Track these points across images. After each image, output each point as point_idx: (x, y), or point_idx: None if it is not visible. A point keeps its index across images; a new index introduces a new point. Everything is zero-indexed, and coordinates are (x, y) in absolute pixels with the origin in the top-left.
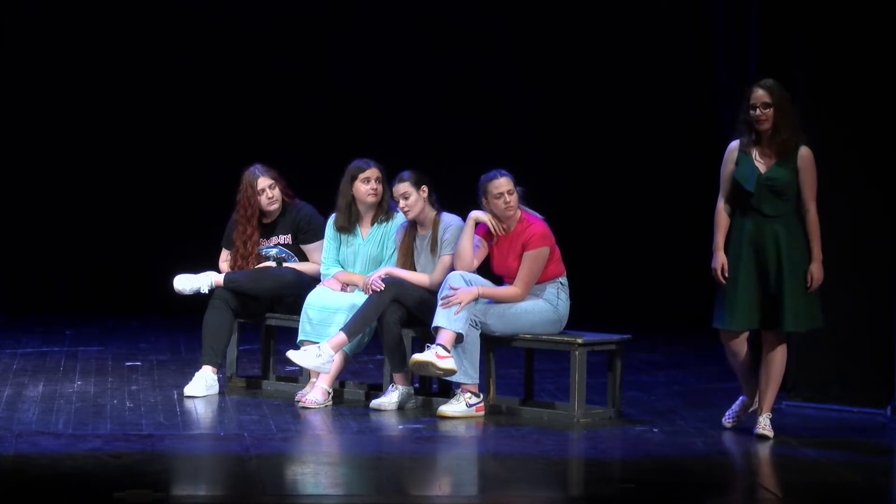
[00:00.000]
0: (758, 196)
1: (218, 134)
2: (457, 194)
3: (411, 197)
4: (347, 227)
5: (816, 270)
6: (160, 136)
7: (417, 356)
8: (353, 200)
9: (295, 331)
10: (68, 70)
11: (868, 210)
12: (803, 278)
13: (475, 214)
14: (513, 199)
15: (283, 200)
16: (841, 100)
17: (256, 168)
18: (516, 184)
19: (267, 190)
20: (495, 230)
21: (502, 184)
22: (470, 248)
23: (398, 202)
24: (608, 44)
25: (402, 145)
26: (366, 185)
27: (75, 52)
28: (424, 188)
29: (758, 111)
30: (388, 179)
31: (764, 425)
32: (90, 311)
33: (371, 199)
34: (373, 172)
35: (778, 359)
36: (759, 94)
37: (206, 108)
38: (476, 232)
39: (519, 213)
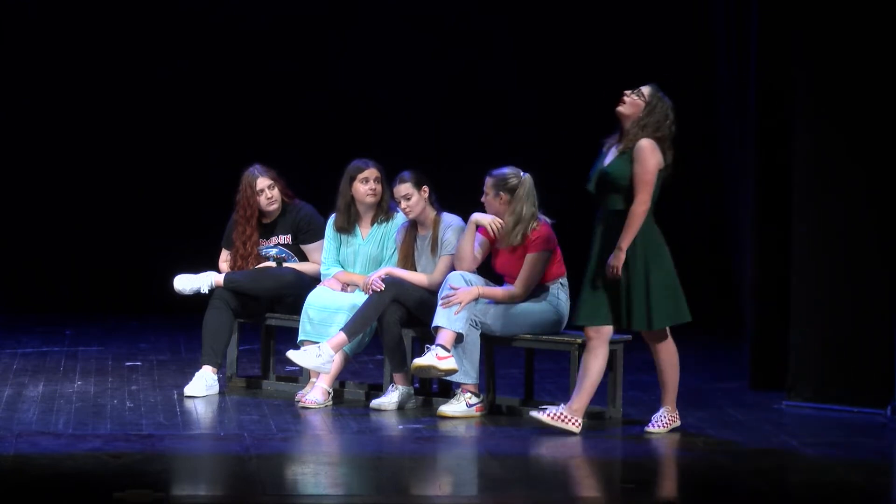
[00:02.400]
0: (598, 191)
1: (218, 134)
2: (457, 194)
3: (413, 198)
4: (346, 227)
5: (611, 258)
6: (160, 136)
7: (418, 361)
8: (352, 201)
9: (295, 331)
10: (68, 70)
11: (867, 210)
12: (653, 276)
13: (476, 217)
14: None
15: (282, 200)
16: (841, 100)
17: (256, 168)
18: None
19: (266, 190)
20: (494, 233)
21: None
22: (471, 249)
23: (399, 203)
24: (608, 43)
25: (402, 145)
26: (364, 186)
27: (75, 52)
28: (425, 188)
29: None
30: (389, 180)
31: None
32: (90, 311)
33: (370, 199)
34: (371, 173)
35: (665, 359)
36: (642, 87)
37: (206, 108)
38: (478, 232)
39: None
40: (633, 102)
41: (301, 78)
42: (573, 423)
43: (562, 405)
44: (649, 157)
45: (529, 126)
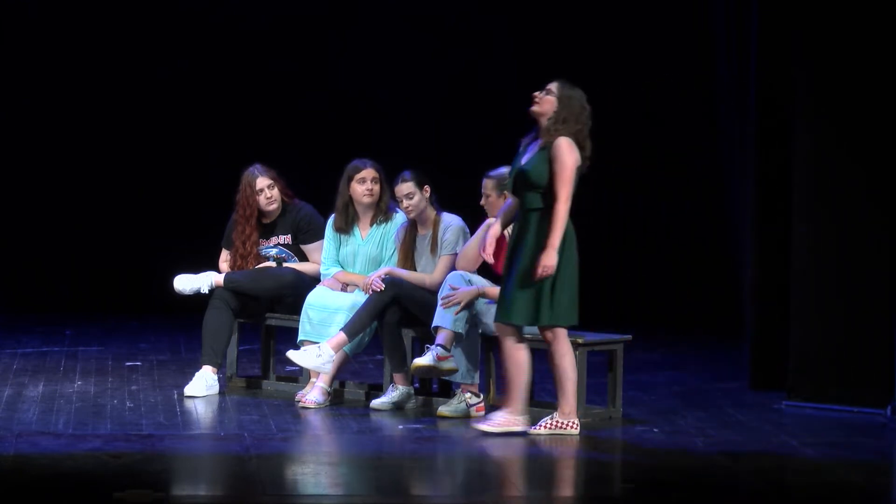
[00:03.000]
0: (515, 190)
1: (218, 134)
2: (457, 194)
3: (415, 197)
4: (345, 227)
5: (543, 258)
6: (160, 136)
7: (418, 361)
8: (350, 201)
9: (295, 331)
10: (68, 70)
11: (867, 210)
12: (561, 273)
13: (491, 222)
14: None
15: (282, 200)
16: (841, 100)
17: (255, 168)
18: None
19: (266, 190)
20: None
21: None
22: (477, 251)
23: (401, 202)
24: (608, 43)
25: (401, 145)
26: (361, 186)
27: (75, 52)
28: (427, 188)
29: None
30: (389, 180)
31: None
32: (90, 311)
33: (367, 199)
34: (369, 173)
35: (513, 357)
36: (549, 85)
37: (206, 108)
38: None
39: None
40: (544, 100)
41: (301, 78)
42: (572, 427)
43: (554, 414)
44: (567, 155)
45: (529, 126)
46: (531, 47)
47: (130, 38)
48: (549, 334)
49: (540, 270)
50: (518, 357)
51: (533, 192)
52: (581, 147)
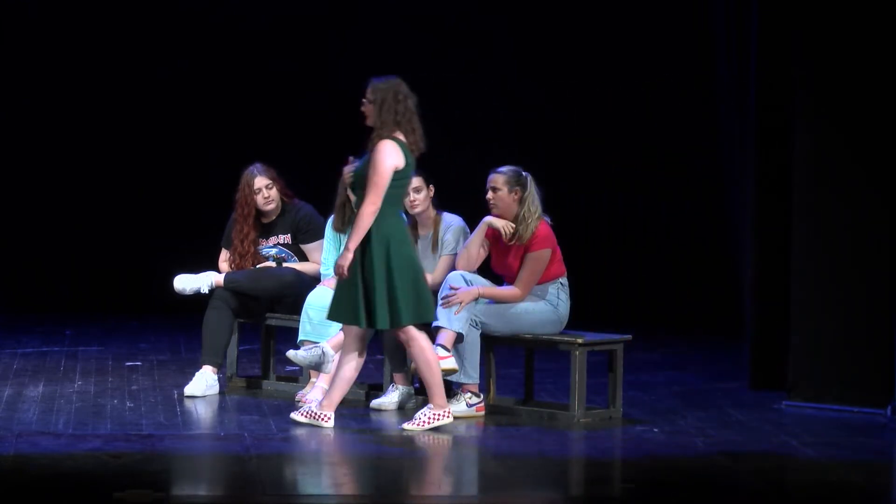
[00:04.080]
0: (354, 190)
1: (218, 134)
2: (457, 194)
3: (422, 192)
4: (342, 227)
5: (339, 258)
6: (160, 135)
7: None
8: (347, 200)
9: (295, 331)
10: (68, 70)
11: (867, 210)
12: (395, 275)
13: (490, 220)
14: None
15: (282, 200)
16: (841, 100)
17: (255, 167)
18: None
19: (263, 189)
20: (508, 238)
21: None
22: (477, 251)
23: (408, 194)
24: (608, 43)
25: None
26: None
27: (75, 52)
28: (432, 187)
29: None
30: None
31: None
32: (90, 311)
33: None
34: None
35: (417, 357)
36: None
37: (206, 108)
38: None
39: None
40: (366, 109)
41: (301, 78)
42: (445, 416)
43: (426, 409)
44: (382, 158)
45: (530, 126)
46: (531, 47)
47: (130, 38)
48: (401, 335)
49: (336, 270)
50: (422, 352)
51: (363, 194)
52: (413, 138)
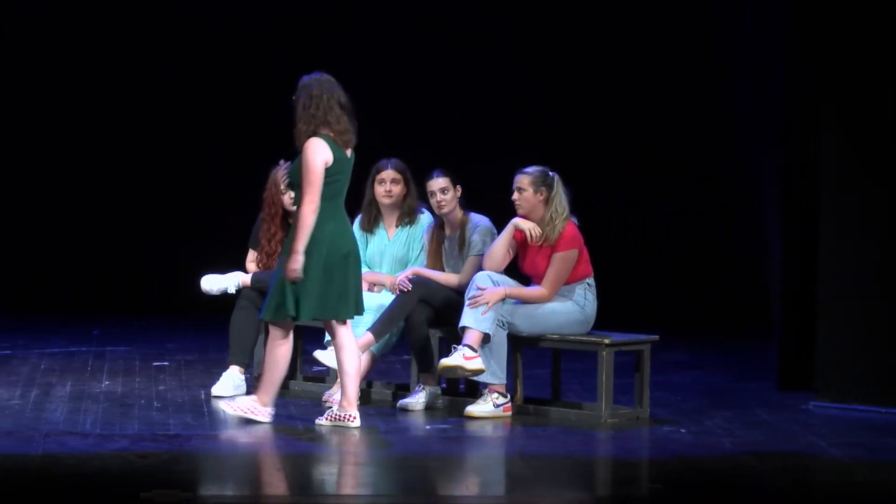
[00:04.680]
0: (292, 188)
1: (220, 134)
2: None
3: (449, 192)
4: (368, 226)
5: (289, 261)
6: (165, 135)
7: (445, 361)
8: (373, 200)
9: (322, 331)
10: (68, 70)
11: (894, 211)
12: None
13: (517, 221)
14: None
15: None
16: (868, 100)
17: (281, 167)
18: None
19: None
20: (533, 239)
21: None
22: (504, 251)
23: (434, 195)
24: (613, 41)
25: (403, 145)
26: (381, 187)
27: (75, 52)
28: (459, 188)
29: None
30: (419, 181)
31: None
32: (118, 312)
33: (385, 200)
34: (388, 174)
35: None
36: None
37: (206, 107)
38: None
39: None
40: (296, 107)
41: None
42: (350, 420)
43: (334, 407)
44: (311, 156)
45: (531, 126)
46: (531, 47)
47: (130, 38)
48: (330, 328)
49: (287, 273)
50: (277, 352)
51: (298, 191)
52: (339, 133)
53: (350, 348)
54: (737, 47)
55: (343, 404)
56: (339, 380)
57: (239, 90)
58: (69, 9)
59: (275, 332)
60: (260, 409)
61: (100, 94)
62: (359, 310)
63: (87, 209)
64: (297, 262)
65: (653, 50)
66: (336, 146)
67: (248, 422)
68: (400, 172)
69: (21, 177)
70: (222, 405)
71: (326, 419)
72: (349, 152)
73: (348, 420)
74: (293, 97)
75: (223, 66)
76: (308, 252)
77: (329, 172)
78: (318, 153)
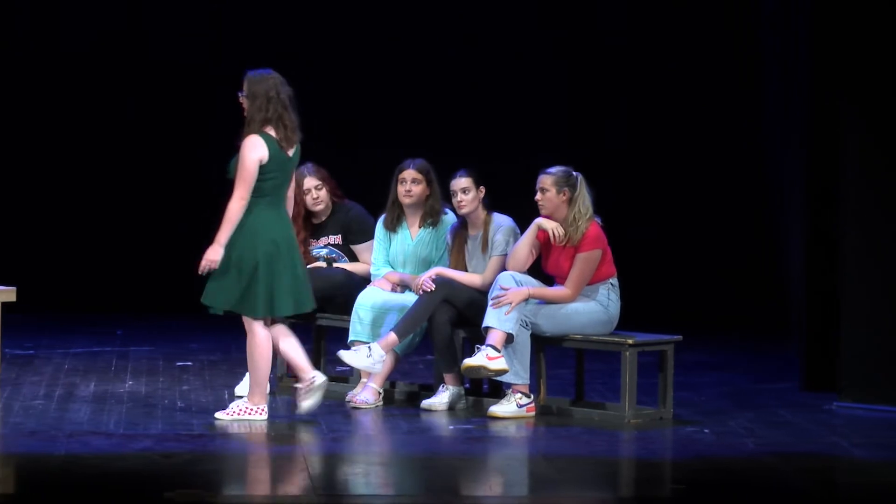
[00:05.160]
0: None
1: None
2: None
3: (471, 192)
4: (391, 226)
5: (209, 251)
6: (187, 136)
7: (468, 361)
8: (396, 199)
9: (346, 331)
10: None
11: None
12: (225, 262)
13: (540, 221)
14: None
15: (332, 201)
16: (889, 103)
17: (306, 167)
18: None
19: (313, 190)
20: (556, 240)
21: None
22: (527, 252)
23: (455, 195)
24: (636, 37)
25: (406, 145)
26: (402, 187)
27: (76, 54)
28: (482, 188)
29: None
30: (444, 182)
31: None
32: (142, 311)
33: (406, 200)
34: (409, 174)
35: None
36: None
37: (229, 106)
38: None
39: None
40: (242, 100)
41: (301, 77)
42: (259, 413)
43: (243, 400)
44: (246, 153)
45: (555, 125)
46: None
47: (130, 37)
48: (246, 324)
49: (203, 262)
50: (255, 346)
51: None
52: (284, 133)
53: (264, 343)
54: (762, 45)
55: (253, 398)
56: (363, 380)
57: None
58: (69, 8)
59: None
60: (253, 408)
61: (134, 91)
62: (285, 308)
63: (111, 208)
64: (217, 253)
65: (676, 48)
66: (276, 145)
67: (274, 422)
68: (421, 172)
69: (45, 176)
70: (217, 415)
71: (232, 412)
72: (291, 151)
73: (257, 413)
74: (242, 93)
75: (223, 66)
76: (239, 246)
77: (264, 170)
78: (254, 151)
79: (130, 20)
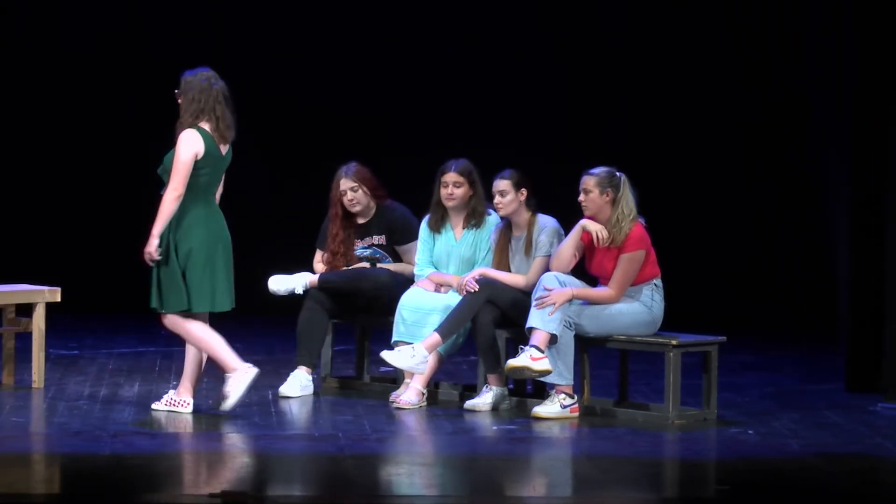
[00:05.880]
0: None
1: (286, 136)
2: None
3: (507, 196)
4: (436, 227)
5: (147, 245)
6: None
7: (512, 362)
8: (440, 200)
9: (389, 331)
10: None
11: None
12: (164, 261)
13: (585, 223)
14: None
15: (375, 201)
16: None
17: (346, 167)
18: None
19: (348, 192)
20: (600, 242)
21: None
22: (571, 253)
23: (494, 196)
24: (683, 38)
25: (409, 145)
26: (444, 190)
27: (77, 54)
28: (524, 191)
29: None
30: (487, 182)
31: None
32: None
33: (449, 203)
34: (450, 177)
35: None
36: None
37: (276, 109)
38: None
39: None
40: (178, 97)
41: (301, 77)
42: (183, 405)
43: (171, 391)
44: (181, 148)
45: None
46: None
47: (130, 36)
48: (163, 320)
49: (145, 256)
50: (193, 342)
51: (167, 179)
52: (217, 127)
53: (200, 330)
54: (809, 46)
55: (180, 389)
56: (407, 380)
57: (239, 90)
58: (69, 7)
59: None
60: (179, 400)
61: (134, 91)
62: (218, 304)
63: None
64: (152, 245)
65: (676, 48)
66: (212, 141)
67: (318, 422)
68: (463, 175)
69: (86, 177)
70: (154, 405)
71: (162, 403)
72: (224, 149)
73: (182, 406)
74: (177, 91)
75: (222, 65)
76: (169, 242)
77: (198, 165)
78: (190, 145)
79: (130, 20)
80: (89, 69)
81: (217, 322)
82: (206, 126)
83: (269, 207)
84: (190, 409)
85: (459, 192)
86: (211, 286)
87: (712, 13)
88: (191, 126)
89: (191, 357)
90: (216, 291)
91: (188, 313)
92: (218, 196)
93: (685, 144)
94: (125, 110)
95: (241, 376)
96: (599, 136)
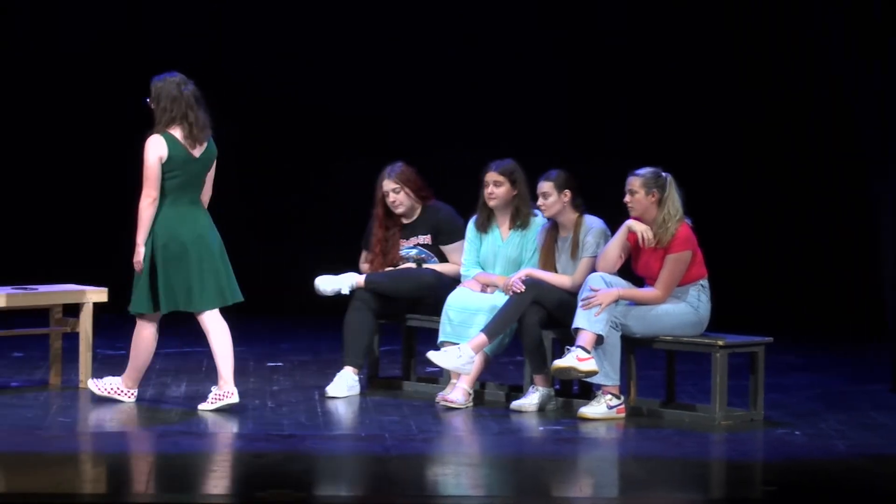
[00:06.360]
0: None
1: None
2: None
3: (550, 197)
4: (482, 227)
5: (134, 256)
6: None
7: (559, 362)
8: (485, 200)
9: (435, 332)
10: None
11: None
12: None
13: (631, 224)
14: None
15: (420, 202)
16: None
17: (390, 168)
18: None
19: (390, 193)
20: (645, 243)
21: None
22: (617, 253)
23: (538, 198)
24: (739, 48)
25: (409, 145)
26: (485, 189)
27: (78, 55)
28: (567, 192)
29: None
30: (532, 182)
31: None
32: (232, 312)
33: (490, 202)
34: (490, 177)
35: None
36: None
37: (326, 109)
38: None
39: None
40: (149, 104)
41: (300, 77)
42: (129, 396)
43: (118, 378)
44: (147, 152)
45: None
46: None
47: (130, 36)
48: (197, 318)
49: (134, 265)
50: (140, 338)
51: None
52: (190, 131)
53: (217, 331)
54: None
55: (220, 384)
56: (453, 380)
57: (239, 89)
58: (69, 7)
59: (140, 320)
60: (124, 390)
61: (134, 91)
62: (210, 302)
63: (227, 212)
64: (139, 254)
65: (676, 48)
66: (178, 144)
67: (364, 423)
68: (503, 174)
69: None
70: (89, 384)
71: (210, 402)
72: (199, 150)
73: (227, 396)
74: (148, 99)
75: (222, 66)
76: (148, 245)
77: (166, 168)
78: (152, 150)
79: (130, 20)
80: (89, 69)
81: (265, 321)
82: (177, 132)
83: (293, 207)
84: (236, 397)
85: (500, 191)
86: (185, 286)
87: (712, 13)
88: (159, 132)
89: (218, 350)
90: (191, 291)
91: (147, 315)
92: (207, 197)
93: (685, 144)
94: (125, 110)
95: (124, 398)
96: (599, 136)
